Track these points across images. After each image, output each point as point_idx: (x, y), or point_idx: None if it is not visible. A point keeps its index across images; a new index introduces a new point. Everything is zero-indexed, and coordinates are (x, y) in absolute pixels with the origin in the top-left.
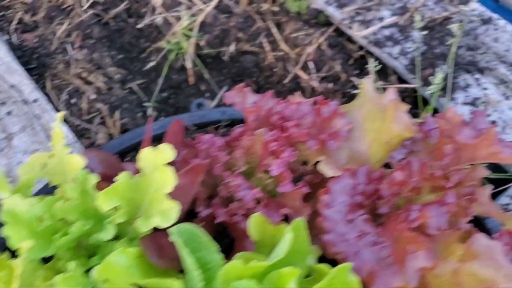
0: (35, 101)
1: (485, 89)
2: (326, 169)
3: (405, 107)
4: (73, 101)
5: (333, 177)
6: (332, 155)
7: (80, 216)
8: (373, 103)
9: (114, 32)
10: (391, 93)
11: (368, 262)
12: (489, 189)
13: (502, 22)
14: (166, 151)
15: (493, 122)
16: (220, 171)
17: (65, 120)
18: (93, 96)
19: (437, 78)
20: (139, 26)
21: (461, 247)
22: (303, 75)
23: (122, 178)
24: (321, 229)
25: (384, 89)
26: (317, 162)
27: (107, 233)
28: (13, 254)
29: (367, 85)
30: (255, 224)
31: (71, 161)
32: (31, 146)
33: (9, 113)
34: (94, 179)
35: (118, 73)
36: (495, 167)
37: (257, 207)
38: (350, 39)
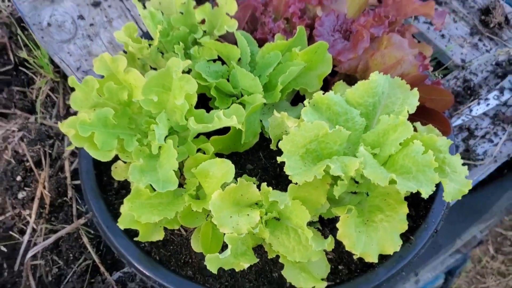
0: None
1: None
2: (320, 13)
3: None
4: None
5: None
6: (325, 9)
7: (184, 25)
8: None
9: None
10: None
11: (338, 48)
12: (413, 29)
13: None
14: None
15: (443, 36)
16: (259, 14)
17: None
18: None
19: None
20: None
21: (385, 38)
22: None
23: (206, 5)
24: (315, 35)
25: None
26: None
27: (198, 34)
28: None
29: None
30: (278, 38)
31: None
32: None
33: (109, 6)
34: (193, 2)
35: None
36: (439, 63)
37: (278, 33)
38: None
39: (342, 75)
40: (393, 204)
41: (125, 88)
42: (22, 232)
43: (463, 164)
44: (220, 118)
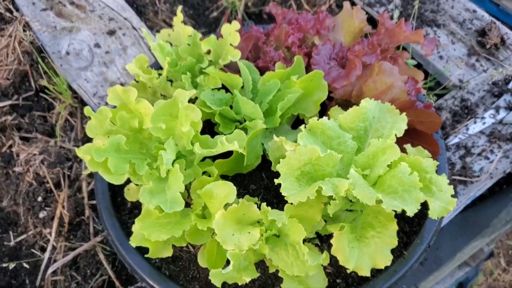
0: (140, 28)
1: (439, 37)
2: (317, 42)
3: (363, 12)
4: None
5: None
6: (322, 38)
7: (191, 55)
8: (348, 13)
9: None
10: (357, 7)
11: (333, 75)
12: (406, 55)
13: None
14: (236, 24)
15: (441, 57)
16: (261, 44)
17: None
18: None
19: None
20: None
21: (377, 66)
22: None
23: (211, 37)
24: (312, 63)
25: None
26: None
27: (204, 63)
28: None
29: (347, 4)
30: (278, 67)
31: (186, 29)
32: (138, 54)
33: (124, 34)
34: (200, 35)
35: (189, 22)
36: (438, 83)
37: (279, 61)
38: (352, 1)
39: (339, 99)
40: (384, 221)
41: (136, 116)
42: (43, 250)
43: (459, 181)
44: (223, 143)
